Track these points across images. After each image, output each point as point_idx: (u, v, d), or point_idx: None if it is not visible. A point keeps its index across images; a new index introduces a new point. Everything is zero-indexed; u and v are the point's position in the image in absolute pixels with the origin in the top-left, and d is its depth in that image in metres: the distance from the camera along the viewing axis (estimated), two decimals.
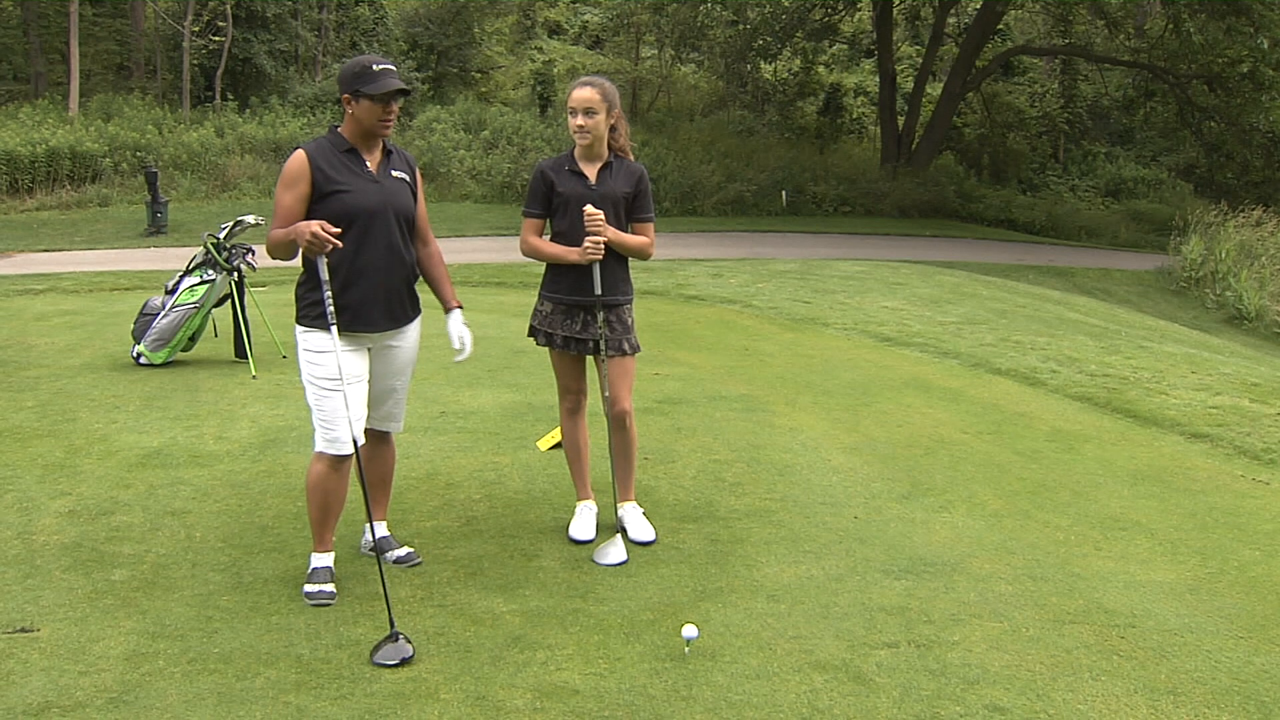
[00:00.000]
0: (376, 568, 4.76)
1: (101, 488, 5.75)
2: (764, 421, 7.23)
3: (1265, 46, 25.12)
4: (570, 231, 5.00)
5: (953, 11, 32.86)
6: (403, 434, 6.70)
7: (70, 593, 4.49)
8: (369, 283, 4.50)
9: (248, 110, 28.12)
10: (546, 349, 5.19)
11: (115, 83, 29.65)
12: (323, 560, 4.62)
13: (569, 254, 4.97)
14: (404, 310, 4.68)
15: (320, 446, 4.54)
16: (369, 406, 4.69)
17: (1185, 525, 5.52)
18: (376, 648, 3.97)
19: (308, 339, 4.49)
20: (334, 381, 4.44)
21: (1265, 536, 5.38)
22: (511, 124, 29.07)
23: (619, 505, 5.24)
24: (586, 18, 37.06)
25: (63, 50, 27.83)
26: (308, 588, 4.52)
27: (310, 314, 4.48)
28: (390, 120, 4.48)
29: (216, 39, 27.87)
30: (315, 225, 4.22)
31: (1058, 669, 3.98)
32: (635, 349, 5.14)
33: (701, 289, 13.46)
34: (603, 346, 5.01)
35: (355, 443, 4.43)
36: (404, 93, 4.44)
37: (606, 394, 5.07)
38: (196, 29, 27.86)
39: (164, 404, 7.45)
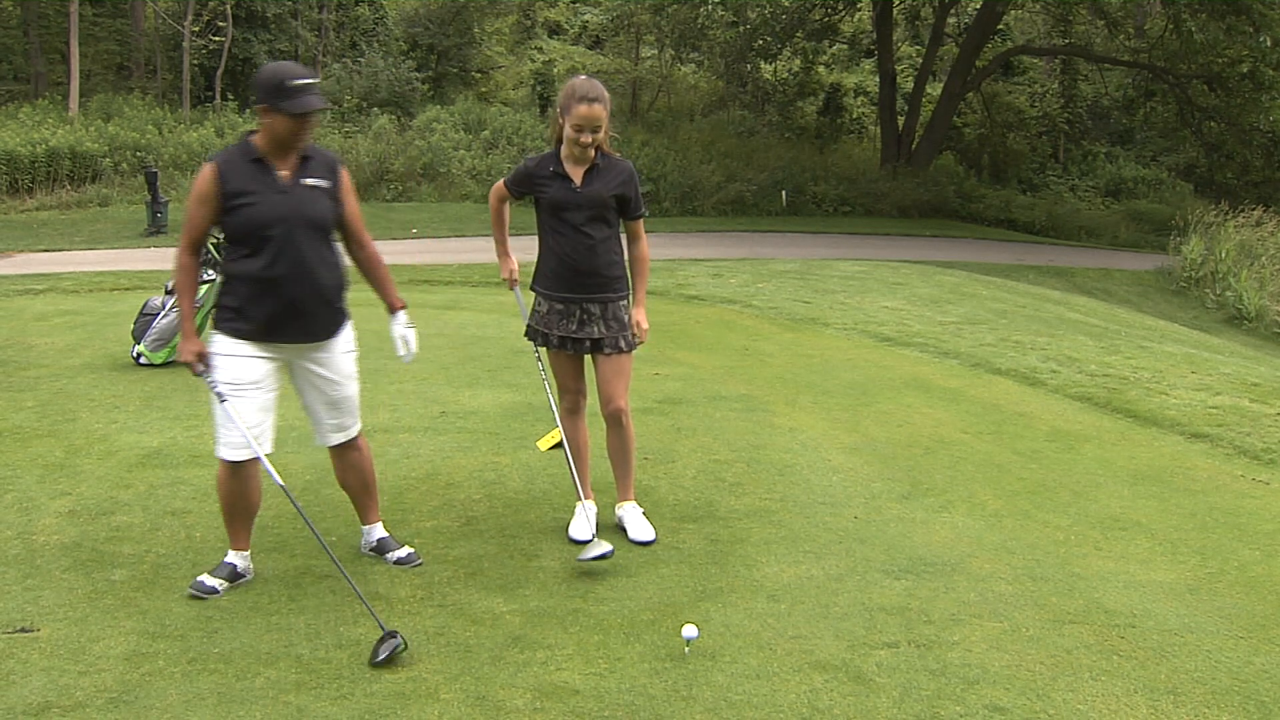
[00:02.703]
0: (375, 568, 4.77)
1: (102, 488, 5.75)
2: (764, 421, 7.23)
3: (1266, 46, 25.10)
4: (552, 238, 4.99)
5: (953, 11, 32.86)
6: (403, 434, 6.72)
7: (70, 593, 4.49)
8: (278, 296, 4.41)
9: (248, 110, 28.09)
10: (545, 349, 5.19)
11: (115, 83, 29.67)
12: (232, 557, 4.64)
13: (501, 261, 5.33)
14: (319, 324, 4.55)
15: (218, 451, 4.52)
16: (323, 418, 4.70)
17: (1185, 525, 5.52)
18: (375, 651, 3.97)
19: (213, 342, 4.50)
20: (230, 387, 4.43)
21: (1265, 536, 5.38)
22: (511, 124, 29.12)
23: (618, 505, 5.24)
24: (586, 18, 37.06)
25: (63, 50, 27.83)
26: (199, 578, 4.55)
27: (220, 317, 4.50)
28: (305, 135, 4.39)
29: (216, 39, 27.89)
30: (192, 355, 4.42)
31: (1058, 669, 3.98)
32: (631, 346, 5.13)
33: (701, 289, 13.46)
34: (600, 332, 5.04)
35: (289, 450, 4.42)
36: (316, 113, 4.36)
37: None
38: (196, 29, 27.88)
39: (164, 404, 7.45)
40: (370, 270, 4.79)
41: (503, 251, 5.32)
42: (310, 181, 4.47)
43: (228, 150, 4.48)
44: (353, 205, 4.68)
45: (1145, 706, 3.73)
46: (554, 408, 5.25)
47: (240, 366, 4.45)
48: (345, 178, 4.65)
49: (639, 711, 3.65)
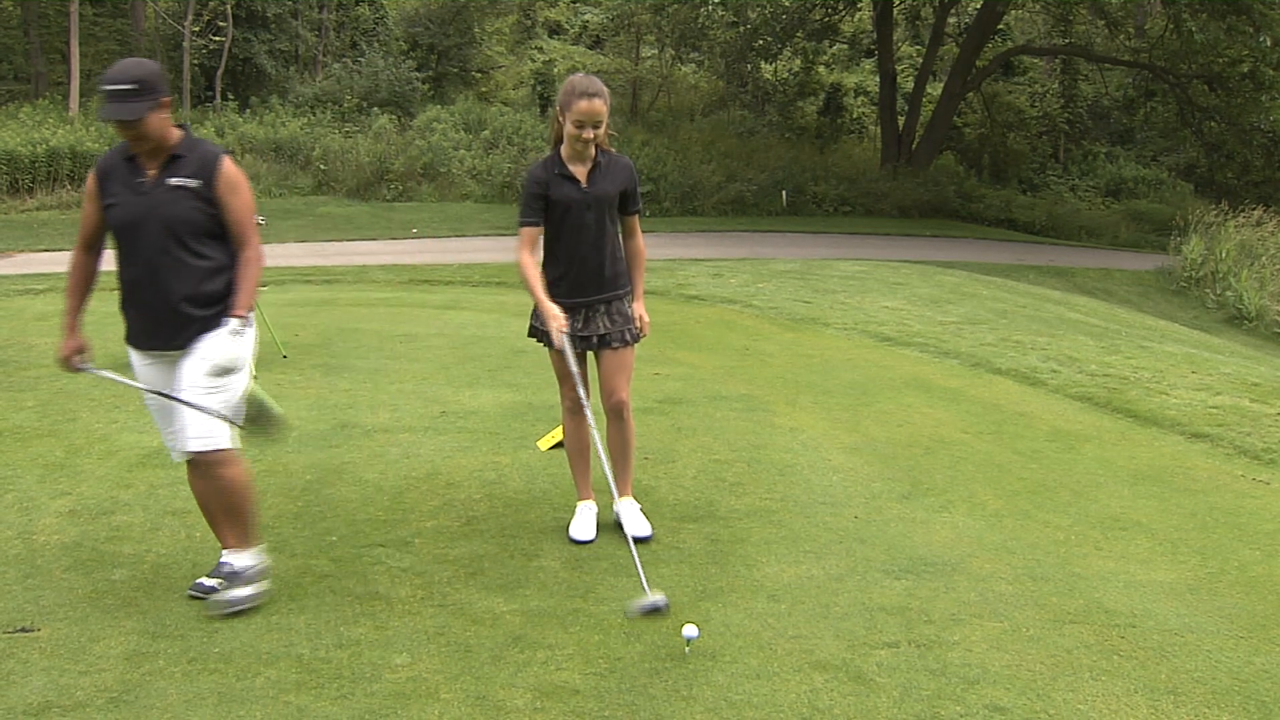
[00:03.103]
0: (375, 567, 4.77)
1: (102, 487, 5.75)
2: (764, 421, 7.23)
3: (1266, 46, 25.11)
4: (560, 241, 4.97)
5: (953, 11, 32.87)
6: (403, 434, 6.72)
7: (70, 592, 4.49)
8: (132, 299, 4.36)
9: (248, 110, 28.16)
10: (546, 348, 5.18)
11: None
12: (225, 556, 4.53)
13: (548, 315, 4.81)
14: (169, 331, 4.30)
15: None
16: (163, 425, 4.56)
17: (1185, 525, 5.52)
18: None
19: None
20: (145, 394, 4.46)
21: (1265, 536, 5.38)
22: (512, 124, 29.14)
23: (616, 501, 5.24)
24: (587, 17, 37.07)
25: (63, 50, 27.85)
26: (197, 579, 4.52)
27: None
28: (136, 142, 4.19)
29: (217, 39, 27.92)
30: (68, 352, 4.56)
31: (1058, 669, 3.98)
32: (636, 338, 5.13)
33: (702, 289, 13.47)
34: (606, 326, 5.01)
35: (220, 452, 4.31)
36: (128, 123, 4.11)
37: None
38: (197, 29, 27.90)
39: None
40: (236, 270, 4.34)
41: (542, 302, 4.89)
42: (174, 181, 4.23)
43: (113, 148, 4.37)
44: (234, 204, 4.30)
45: (1145, 706, 3.73)
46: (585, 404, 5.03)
47: (140, 374, 4.46)
48: (225, 175, 4.29)
49: (639, 711, 3.65)
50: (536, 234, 4.96)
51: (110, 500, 5.56)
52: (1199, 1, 25.24)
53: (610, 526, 5.21)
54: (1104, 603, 4.55)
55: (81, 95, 26.85)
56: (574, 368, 4.89)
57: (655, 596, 4.25)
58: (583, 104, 4.77)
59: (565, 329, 4.84)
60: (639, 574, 4.31)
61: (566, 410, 5.23)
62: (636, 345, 5.20)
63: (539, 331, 5.15)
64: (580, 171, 4.94)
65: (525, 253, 4.94)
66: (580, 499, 5.29)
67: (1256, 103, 28.04)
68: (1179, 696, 3.80)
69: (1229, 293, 21.20)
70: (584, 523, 5.18)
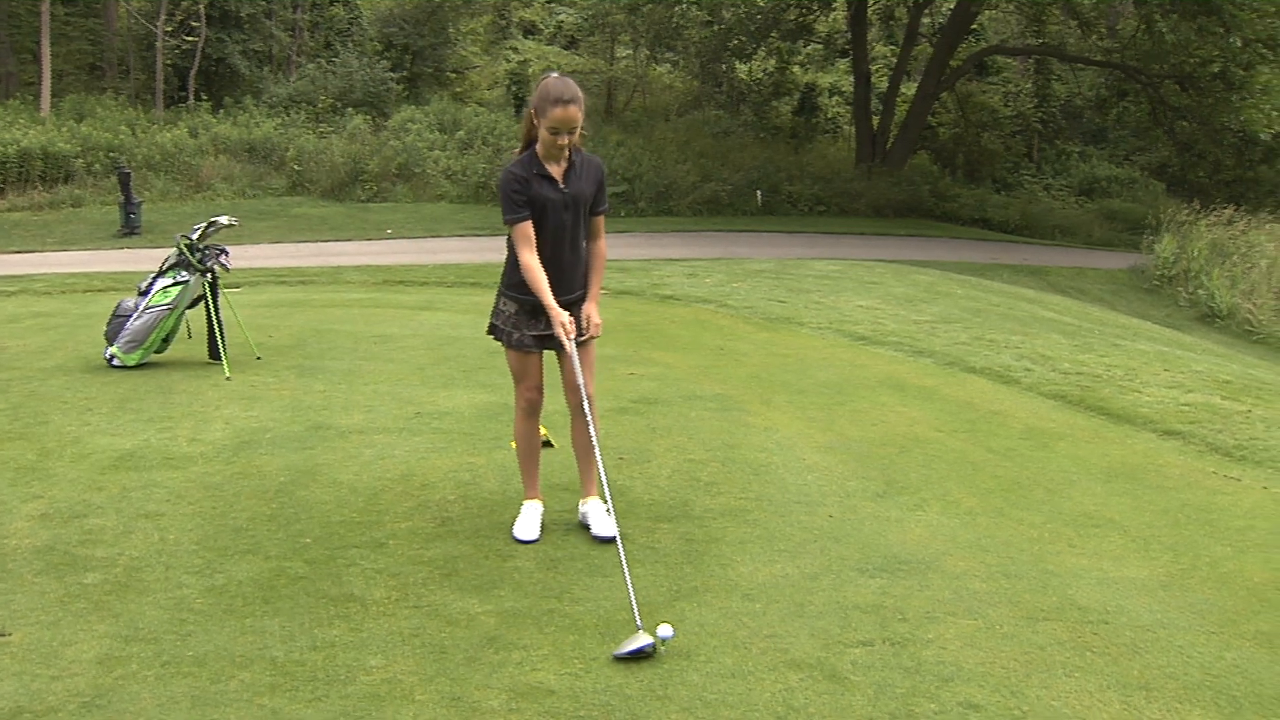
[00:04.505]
0: (350, 569, 4.75)
1: (74, 490, 5.72)
2: (739, 421, 7.24)
3: (1236, 46, 25.29)
4: (538, 241, 4.93)
5: (927, 11, 33.00)
6: (377, 434, 6.70)
7: (42, 596, 4.46)
8: None
9: (222, 110, 28.05)
10: (505, 348, 5.13)
11: (88, 83, 29.50)
12: None
13: (555, 313, 4.77)
14: None
15: None
16: None
17: (1157, 522, 5.55)
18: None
19: None
20: None
21: (1236, 532, 5.42)
22: (486, 124, 29.09)
23: (582, 501, 5.23)
24: (562, 18, 36.99)
25: (34, 50, 27.61)
26: None
27: None
28: None
29: (190, 39, 27.80)
30: None
31: (1031, 666, 4.00)
32: (596, 333, 5.13)
33: (677, 289, 13.46)
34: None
35: None
36: None
37: (578, 381, 4.97)
38: (170, 29, 27.76)
39: (137, 406, 7.41)
40: None
41: (548, 301, 4.83)
42: None
43: None
44: None
45: (1118, 702, 3.76)
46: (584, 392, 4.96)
47: None
48: None
49: (614, 711, 3.65)
50: (531, 227, 4.88)
51: (82, 503, 5.53)
52: (1170, 2, 25.40)
53: (574, 525, 5.22)
54: (1077, 599, 4.58)
55: (53, 95, 26.66)
56: (579, 370, 4.87)
57: (642, 638, 4.06)
58: (558, 111, 4.73)
59: (572, 334, 4.83)
60: (631, 601, 4.25)
61: (523, 410, 5.20)
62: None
63: (499, 330, 5.12)
64: (556, 171, 4.92)
65: (529, 252, 4.85)
66: (528, 498, 5.28)
67: (1227, 102, 28.21)
68: (1151, 692, 3.83)
69: (1201, 291, 21.35)
70: (530, 522, 5.17)
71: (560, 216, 4.93)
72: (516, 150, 5.07)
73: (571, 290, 5.03)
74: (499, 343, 5.19)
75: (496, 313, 5.12)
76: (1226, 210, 24.80)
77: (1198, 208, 25.19)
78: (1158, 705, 3.74)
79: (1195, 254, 22.60)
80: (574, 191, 4.94)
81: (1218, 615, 4.47)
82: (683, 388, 8.11)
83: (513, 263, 5.03)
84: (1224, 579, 4.85)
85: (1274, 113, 26.74)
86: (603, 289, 5.32)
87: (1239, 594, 4.69)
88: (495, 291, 5.26)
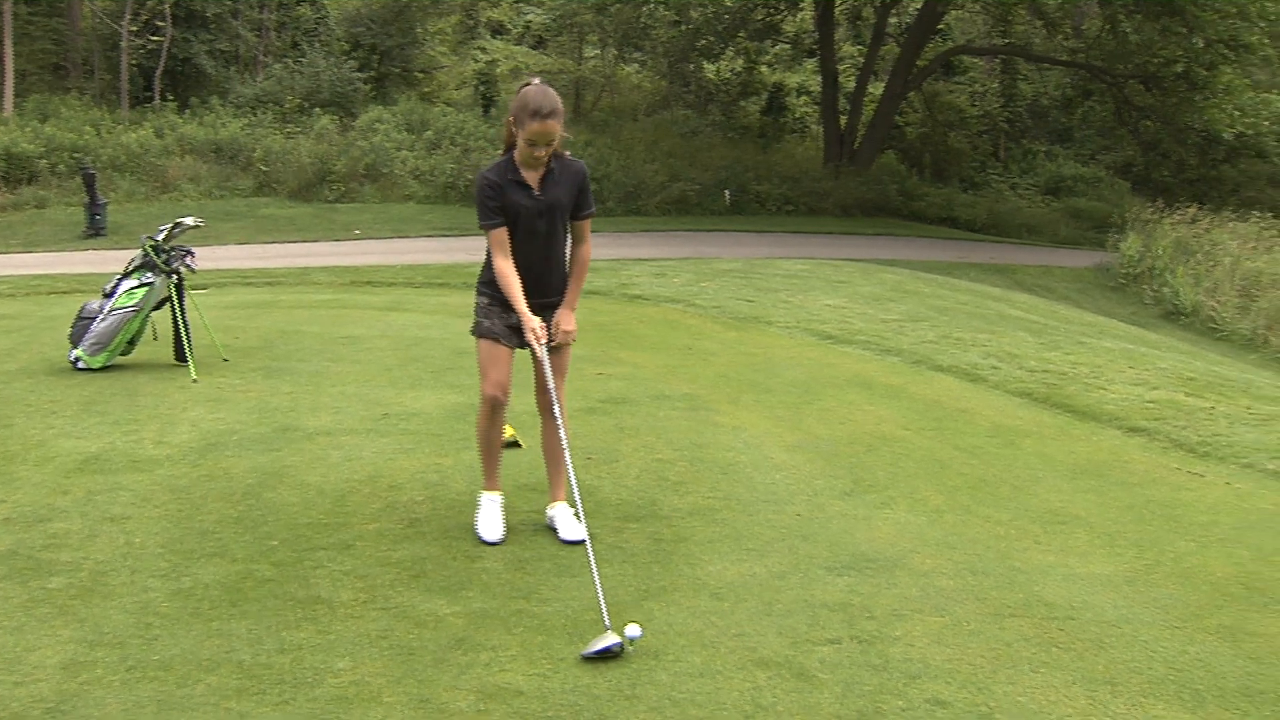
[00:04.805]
0: (318, 570, 4.73)
1: (38, 494, 5.67)
2: (707, 420, 7.25)
3: (1199, 46, 25.52)
4: (513, 241, 4.91)
5: (894, 11, 33.15)
6: (345, 436, 6.68)
7: (5, 602, 4.42)
8: None
9: (188, 111, 27.86)
10: (477, 339, 5.09)
11: (51, 83, 29.24)
12: None
13: (525, 318, 4.79)
14: None
15: None
16: None
17: (1123, 518, 5.60)
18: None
19: None
20: None
21: (1200, 528, 5.46)
22: (455, 124, 29.02)
23: (550, 505, 5.23)
24: (530, 18, 36.95)
25: None
26: None
27: None
28: None
29: (155, 39, 27.60)
30: None
31: (998, 662, 4.03)
32: (566, 340, 5.12)
33: (645, 288, 13.48)
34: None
35: None
36: None
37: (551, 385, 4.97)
38: (135, 28, 27.56)
39: (102, 408, 7.35)
40: None
41: (520, 306, 4.86)
42: None
43: None
44: None
45: (1084, 697, 3.79)
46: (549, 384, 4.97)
47: None
48: None
49: (583, 711, 3.65)
50: (505, 233, 4.88)
51: (46, 507, 5.48)
52: (1134, 3, 25.61)
53: (540, 526, 5.22)
54: (1043, 596, 4.61)
55: (16, 95, 26.43)
56: (548, 374, 4.88)
57: (609, 638, 4.05)
58: (535, 125, 4.69)
59: (543, 339, 4.83)
60: (599, 601, 4.25)
61: (488, 402, 5.11)
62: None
63: (479, 322, 5.09)
64: (533, 178, 4.89)
65: (502, 258, 4.86)
66: (487, 488, 5.26)
67: (1190, 102, 28.48)
68: (1116, 687, 3.86)
69: (1165, 289, 21.55)
70: (491, 518, 5.15)
71: (533, 223, 4.91)
72: (502, 152, 5.04)
73: (547, 294, 5.02)
74: (471, 333, 5.16)
75: (475, 309, 5.09)
76: (1190, 209, 25.05)
77: (1162, 206, 25.44)
78: (1123, 700, 3.77)
79: (1160, 252, 22.81)
80: (549, 199, 4.91)
81: (1181, 610, 4.51)
82: (651, 387, 8.12)
83: (490, 261, 5.03)
84: (1187, 574, 4.89)
85: (1236, 112, 26.99)
86: None
87: (1202, 589, 4.73)
88: (465, 293, 5.23)
